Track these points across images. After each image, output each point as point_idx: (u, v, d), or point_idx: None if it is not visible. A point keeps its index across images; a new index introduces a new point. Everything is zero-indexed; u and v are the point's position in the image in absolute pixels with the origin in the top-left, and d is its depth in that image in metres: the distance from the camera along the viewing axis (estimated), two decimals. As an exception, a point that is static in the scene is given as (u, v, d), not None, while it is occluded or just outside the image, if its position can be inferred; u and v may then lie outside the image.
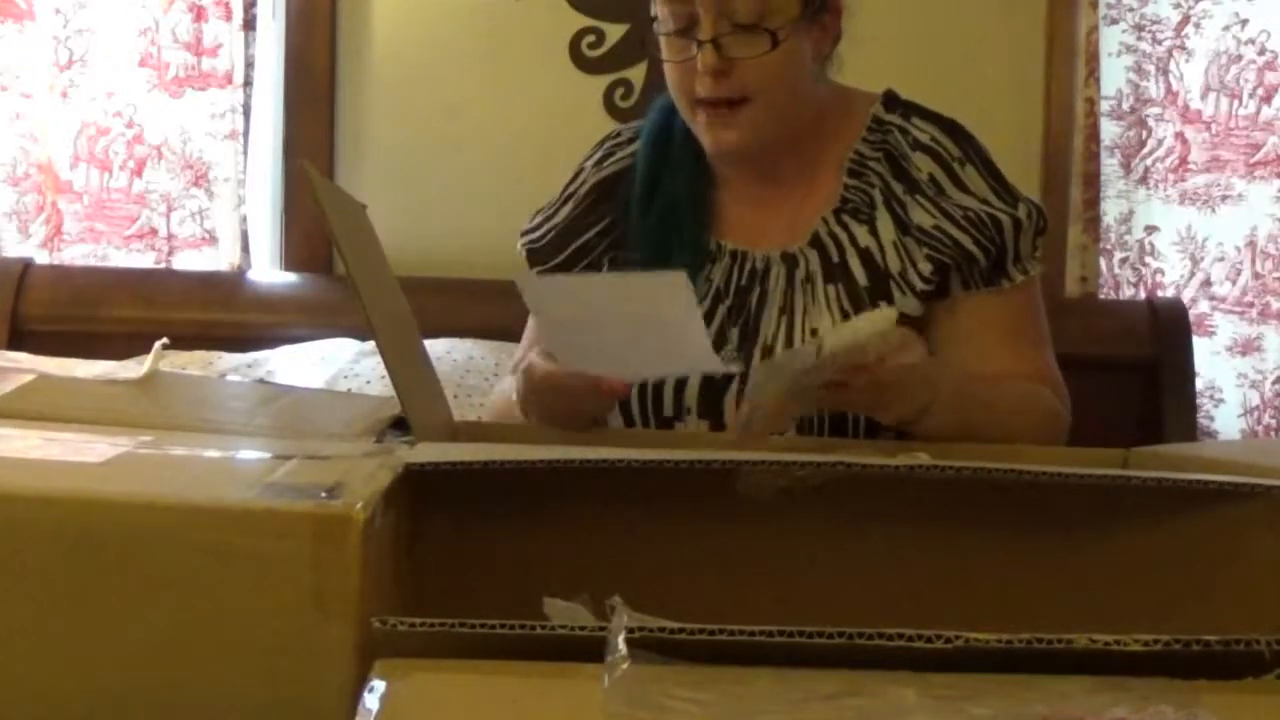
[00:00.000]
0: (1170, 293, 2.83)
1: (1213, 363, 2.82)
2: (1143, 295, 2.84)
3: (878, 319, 1.39)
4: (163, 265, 2.87)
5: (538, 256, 1.76)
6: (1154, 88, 2.81)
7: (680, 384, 1.63)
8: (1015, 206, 1.64)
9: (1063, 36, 2.83)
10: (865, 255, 1.64)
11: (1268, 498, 1.05)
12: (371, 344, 2.41)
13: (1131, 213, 2.84)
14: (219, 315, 2.78)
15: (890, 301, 1.62)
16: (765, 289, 1.66)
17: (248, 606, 0.86)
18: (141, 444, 1.04)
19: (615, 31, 2.85)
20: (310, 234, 2.86)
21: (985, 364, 1.60)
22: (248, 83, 2.84)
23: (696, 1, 1.59)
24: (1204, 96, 2.80)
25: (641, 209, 1.70)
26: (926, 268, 1.62)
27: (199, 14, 2.82)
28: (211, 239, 2.87)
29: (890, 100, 1.70)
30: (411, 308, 1.48)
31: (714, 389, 1.62)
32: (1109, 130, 2.82)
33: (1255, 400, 2.81)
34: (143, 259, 2.86)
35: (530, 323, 1.77)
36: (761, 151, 1.65)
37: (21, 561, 0.87)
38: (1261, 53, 2.78)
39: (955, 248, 1.62)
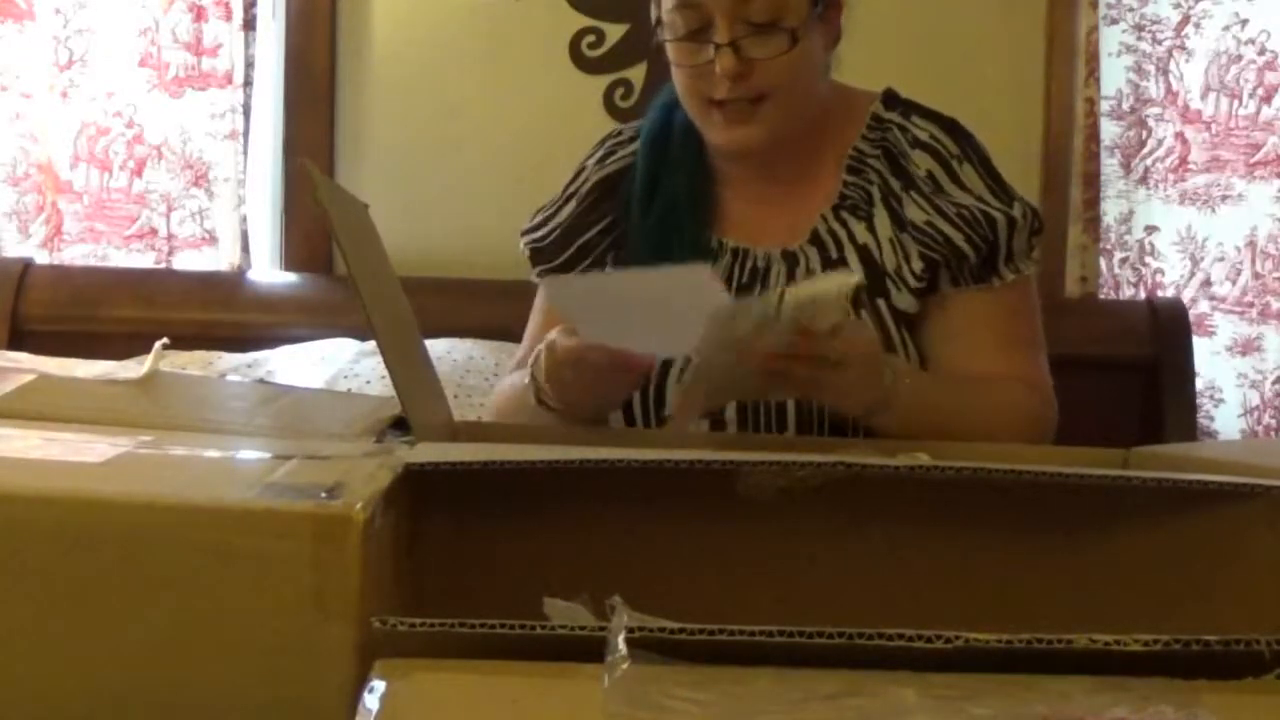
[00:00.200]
0: (1170, 293, 2.83)
1: (1213, 363, 2.82)
2: (1143, 295, 2.84)
3: (839, 279, 1.38)
4: (163, 265, 2.87)
5: (541, 256, 1.77)
6: (1154, 88, 2.81)
7: (681, 383, 1.63)
8: (1010, 205, 1.64)
9: (1063, 36, 2.83)
10: (864, 252, 1.64)
11: (1268, 498, 1.05)
12: (371, 344, 2.41)
13: (1131, 213, 2.84)
14: (219, 315, 2.78)
15: (888, 299, 1.62)
16: (766, 287, 1.66)
17: (248, 606, 0.86)
18: (141, 444, 1.04)
19: (615, 31, 2.85)
20: (310, 234, 2.87)
21: (972, 362, 1.60)
22: (248, 83, 2.84)
23: (711, 5, 1.58)
24: (1204, 96, 2.80)
25: (642, 208, 1.70)
26: (919, 264, 1.62)
27: (199, 14, 2.82)
28: (211, 239, 2.87)
29: (890, 99, 1.71)
30: (412, 308, 1.48)
31: (714, 389, 1.62)
32: (1109, 130, 2.82)
33: (1255, 400, 2.81)
34: (143, 259, 2.86)
35: (531, 322, 1.77)
36: (774, 148, 1.65)
37: (21, 561, 0.87)
38: (1261, 53, 2.78)
39: (946, 244, 1.62)
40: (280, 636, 0.86)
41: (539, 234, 1.77)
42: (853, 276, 1.39)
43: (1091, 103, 2.80)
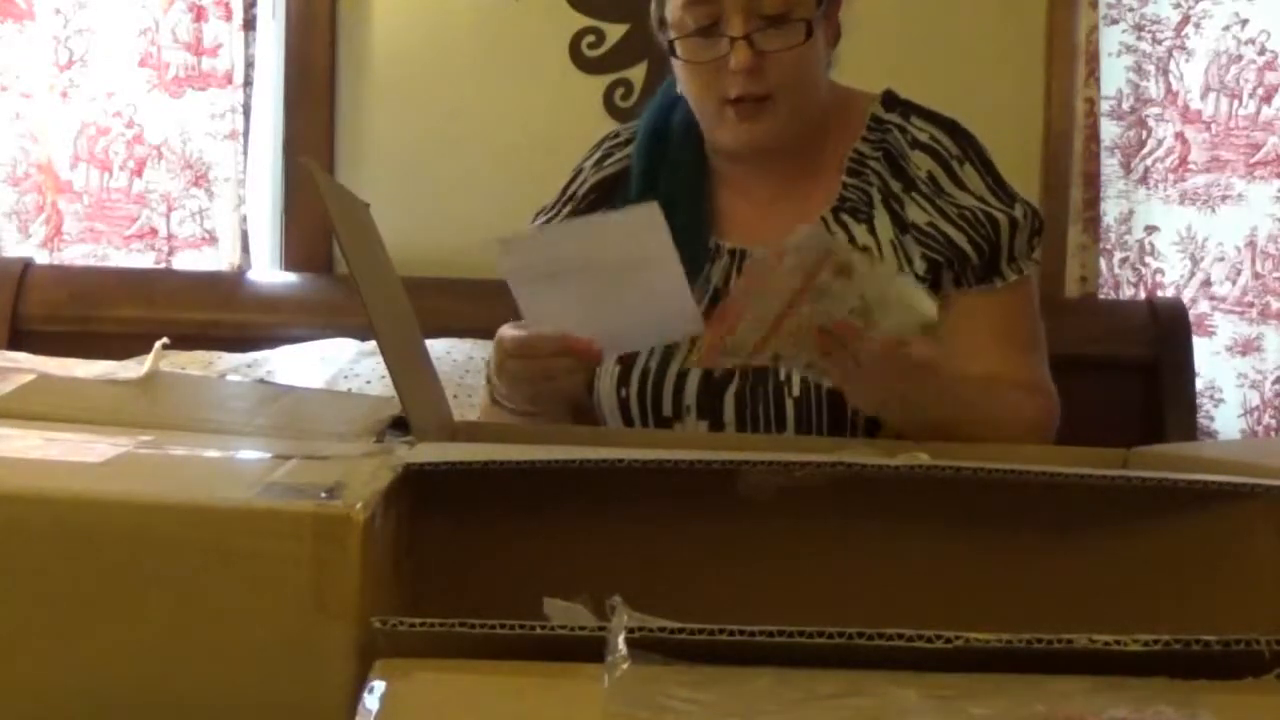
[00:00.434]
0: (1170, 293, 2.83)
1: (1213, 363, 2.82)
2: (1143, 295, 2.84)
3: (924, 308, 1.34)
4: (163, 265, 2.87)
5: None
6: (1154, 88, 2.81)
7: (680, 383, 1.63)
8: (1012, 206, 1.64)
9: (1063, 36, 2.83)
10: (865, 254, 1.64)
11: (1268, 498, 1.05)
12: (371, 344, 2.41)
13: (1131, 213, 2.84)
14: (219, 315, 2.77)
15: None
16: (763, 287, 1.66)
17: (248, 606, 0.86)
18: (141, 444, 1.04)
19: (615, 31, 2.85)
20: (310, 234, 2.86)
21: (973, 363, 1.60)
22: (248, 83, 2.84)
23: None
24: (1204, 96, 2.80)
25: None
26: (921, 266, 1.62)
27: (199, 14, 2.82)
28: (211, 239, 2.87)
29: (889, 100, 1.71)
30: (412, 307, 1.48)
31: (713, 388, 1.62)
32: (1109, 130, 2.82)
33: (1255, 400, 2.81)
34: (143, 259, 2.86)
35: None
36: (784, 145, 1.65)
37: (21, 561, 0.87)
38: (1261, 53, 2.78)
39: (949, 245, 1.62)
40: (280, 636, 0.86)
41: (538, 235, 1.77)
42: (932, 310, 1.35)
43: (1091, 103, 2.80)
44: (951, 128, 1.68)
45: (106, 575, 0.87)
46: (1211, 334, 2.82)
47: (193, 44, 2.83)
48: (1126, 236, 2.85)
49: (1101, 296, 2.84)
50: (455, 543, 1.04)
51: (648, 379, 1.64)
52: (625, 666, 0.76)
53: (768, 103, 1.61)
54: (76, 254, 2.85)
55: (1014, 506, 1.08)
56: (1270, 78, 2.77)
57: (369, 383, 2.42)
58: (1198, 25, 2.79)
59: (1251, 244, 2.79)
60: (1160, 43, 2.80)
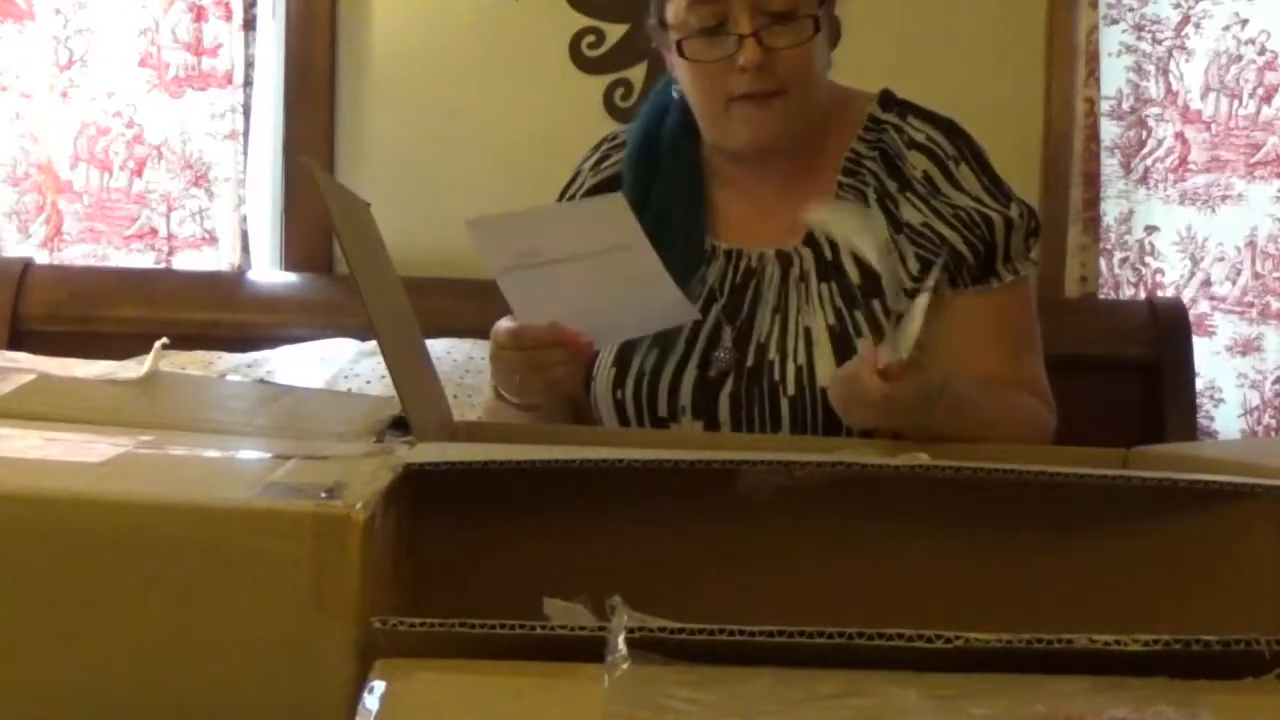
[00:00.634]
0: (1170, 293, 2.83)
1: (1213, 363, 2.82)
2: (1143, 295, 2.84)
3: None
4: (163, 265, 2.87)
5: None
6: (1154, 88, 2.81)
7: (675, 383, 1.63)
8: (1008, 206, 1.64)
9: (1063, 36, 2.82)
10: (858, 254, 1.64)
11: (1268, 498, 1.05)
12: (371, 344, 2.41)
13: (1131, 213, 2.84)
14: (219, 315, 2.77)
15: (883, 301, 1.61)
16: (759, 288, 1.66)
17: (248, 606, 0.86)
18: (141, 444, 1.04)
19: (615, 31, 2.85)
20: (310, 234, 2.86)
21: (970, 365, 1.59)
22: (248, 83, 2.83)
23: None
24: (1204, 96, 2.80)
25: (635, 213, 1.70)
26: (915, 266, 1.62)
27: (199, 14, 2.82)
28: (211, 239, 2.87)
29: (886, 99, 1.71)
30: (412, 307, 1.48)
31: (708, 388, 1.63)
32: (1109, 130, 2.81)
33: (1255, 400, 2.81)
34: (143, 259, 2.86)
35: None
36: (785, 144, 1.65)
37: (21, 561, 0.87)
38: (1261, 53, 2.77)
39: (944, 246, 1.61)
40: (280, 636, 0.86)
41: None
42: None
43: (1091, 103, 2.80)
44: (948, 128, 1.68)
45: (106, 575, 0.87)
46: (1211, 334, 2.82)
47: (193, 44, 2.83)
48: (1126, 236, 2.85)
49: (1101, 296, 2.84)
50: (455, 543, 1.05)
51: (643, 380, 1.64)
52: (625, 666, 0.76)
53: (773, 100, 1.61)
54: (76, 254, 2.85)
55: (1014, 506, 1.09)
56: (1270, 78, 2.77)
57: (369, 383, 2.42)
58: (1198, 25, 2.79)
59: (1251, 244, 2.79)
60: (1160, 43, 2.80)
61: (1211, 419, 2.82)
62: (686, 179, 1.71)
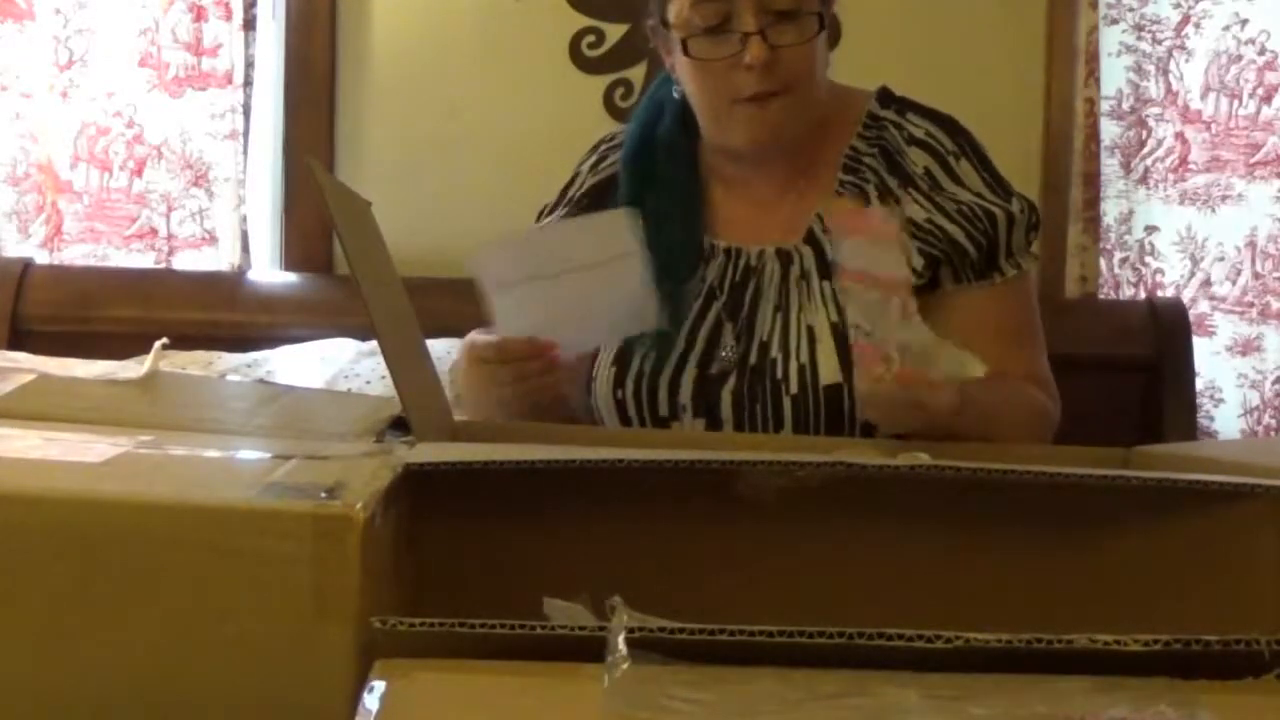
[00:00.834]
0: (1170, 293, 2.83)
1: (1213, 363, 2.81)
2: (1143, 295, 2.84)
3: (969, 367, 1.46)
4: (163, 265, 2.87)
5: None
6: (1154, 88, 2.81)
7: (675, 382, 1.64)
8: (1009, 201, 1.64)
9: (1063, 36, 2.82)
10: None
11: (1268, 498, 1.05)
12: (371, 344, 2.41)
13: (1131, 213, 2.84)
14: (219, 315, 2.77)
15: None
16: (760, 286, 1.66)
17: (248, 606, 0.86)
18: (141, 444, 1.04)
19: (615, 31, 2.85)
20: (310, 234, 2.86)
21: None
22: (248, 83, 2.84)
23: None
24: (1204, 96, 2.80)
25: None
26: (919, 262, 1.62)
27: (199, 14, 2.82)
28: (211, 239, 2.87)
29: (884, 96, 1.71)
30: (413, 307, 1.48)
31: (709, 386, 1.63)
32: (1109, 130, 2.81)
33: (1255, 400, 2.81)
34: (143, 259, 2.86)
35: None
36: (787, 142, 1.65)
37: (21, 561, 0.87)
38: (1261, 53, 2.77)
39: (947, 241, 1.62)
40: (280, 636, 0.86)
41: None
42: (979, 369, 1.44)
43: (1091, 103, 2.80)
44: (947, 124, 1.68)
45: (106, 575, 0.87)
46: (1211, 334, 2.82)
47: (193, 44, 2.83)
48: (1126, 236, 2.85)
49: (1101, 296, 2.84)
50: (455, 543, 1.04)
51: (643, 379, 1.64)
52: (625, 666, 0.76)
53: (776, 99, 1.61)
54: (76, 254, 2.85)
55: (1014, 506, 1.09)
56: (1270, 78, 2.77)
57: (369, 383, 2.42)
58: (1198, 25, 2.79)
59: (1251, 244, 2.79)
60: (1160, 43, 2.80)
61: (1211, 419, 2.82)
62: (684, 178, 1.71)
